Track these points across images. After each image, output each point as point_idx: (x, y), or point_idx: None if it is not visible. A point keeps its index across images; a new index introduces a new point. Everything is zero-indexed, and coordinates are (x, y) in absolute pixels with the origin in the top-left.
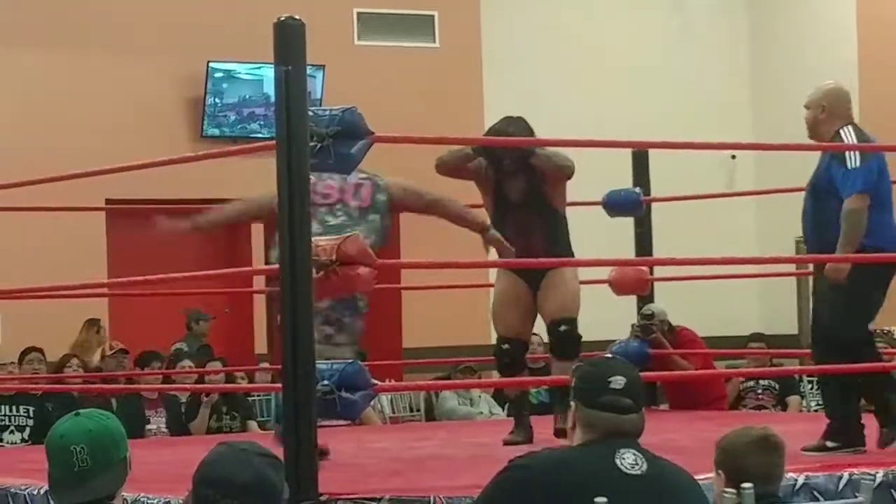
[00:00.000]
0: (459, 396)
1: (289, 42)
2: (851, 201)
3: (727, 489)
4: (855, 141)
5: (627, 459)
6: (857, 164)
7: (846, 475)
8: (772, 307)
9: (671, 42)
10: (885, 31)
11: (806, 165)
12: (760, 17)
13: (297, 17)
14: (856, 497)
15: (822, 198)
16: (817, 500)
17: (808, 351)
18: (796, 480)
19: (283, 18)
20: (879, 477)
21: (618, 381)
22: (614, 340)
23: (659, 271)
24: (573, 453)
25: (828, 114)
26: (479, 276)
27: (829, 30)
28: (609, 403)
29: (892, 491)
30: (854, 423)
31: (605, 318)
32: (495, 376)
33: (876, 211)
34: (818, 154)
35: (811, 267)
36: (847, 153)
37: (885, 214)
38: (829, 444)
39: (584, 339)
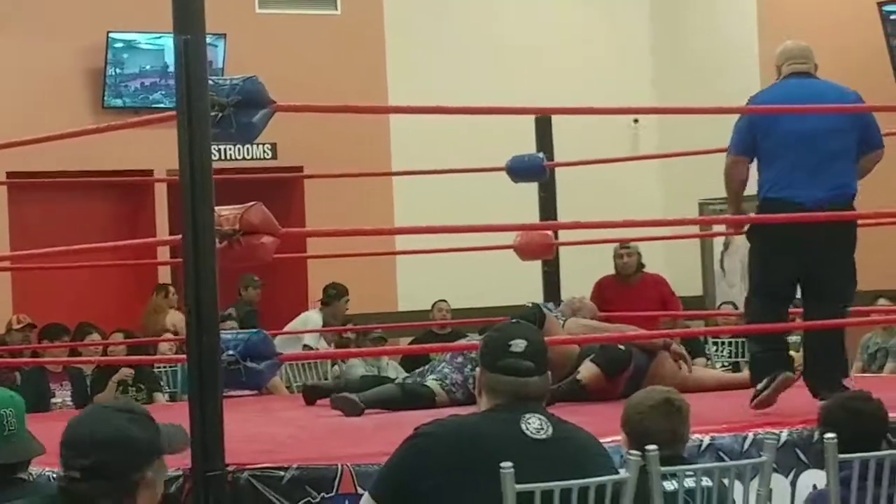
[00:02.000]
0: (367, 364)
1: (188, 11)
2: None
3: (632, 451)
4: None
5: (533, 424)
6: (736, 123)
7: (751, 435)
8: (677, 269)
9: (573, 8)
10: None
11: (707, 128)
12: None
13: None
14: (760, 456)
15: None
16: (723, 460)
17: (713, 312)
18: (702, 441)
19: None
20: (784, 436)
21: (518, 345)
22: (521, 305)
23: (564, 235)
24: (479, 419)
25: (779, 73)
26: (385, 244)
27: None
28: (510, 366)
29: (797, 450)
30: (767, 355)
31: (510, 283)
32: (403, 343)
33: (763, 167)
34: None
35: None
36: None
37: (769, 171)
38: (759, 387)
39: (488, 304)
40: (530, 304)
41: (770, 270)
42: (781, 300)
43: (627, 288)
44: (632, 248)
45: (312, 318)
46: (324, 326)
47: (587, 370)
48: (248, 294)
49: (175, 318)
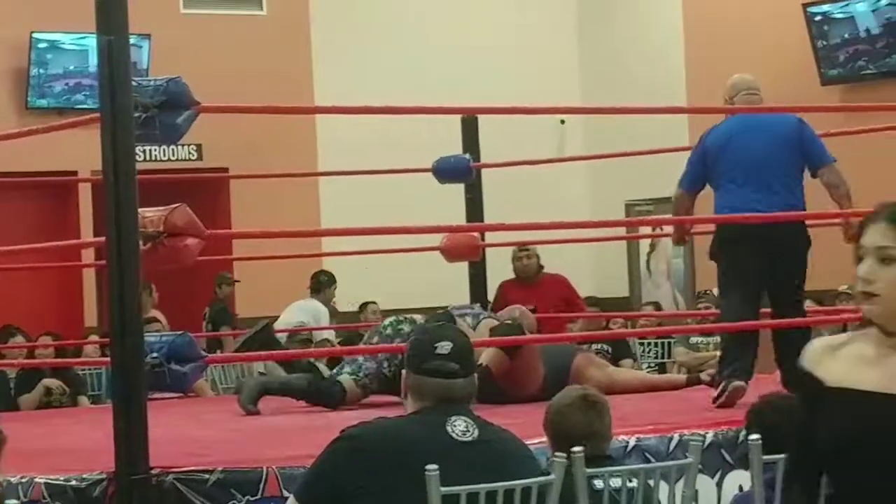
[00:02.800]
0: None
1: (111, 11)
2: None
3: (557, 453)
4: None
5: (459, 426)
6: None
7: (676, 436)
8: (604, 270)
9: (500, 9)
10: None
11: (634, 130)
12: None
13: None
14: (686, 458)
15: None
16: (649, 461)
17: (640, 314)
18: (628, 442)
19: None
20: (709, 437)
21: (444, 347)
22: (446, 307)
23: (490, 237)
24: (405, 422)
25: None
26: (312, 246)
27: None
28: (435, 369)
29: (722, 451)
30: (745, 361)
31: (438, 284)
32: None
33: (716, 193)
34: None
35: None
36: None
37: (722, 196)
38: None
39: (416, 305)
40: (440, 311)
41: (741, 273)
42: (754, 301)
43: (529, 290)
44: (531, 251)
45: (319, 308)
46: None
47: (486, 354)
48: (223, 291)
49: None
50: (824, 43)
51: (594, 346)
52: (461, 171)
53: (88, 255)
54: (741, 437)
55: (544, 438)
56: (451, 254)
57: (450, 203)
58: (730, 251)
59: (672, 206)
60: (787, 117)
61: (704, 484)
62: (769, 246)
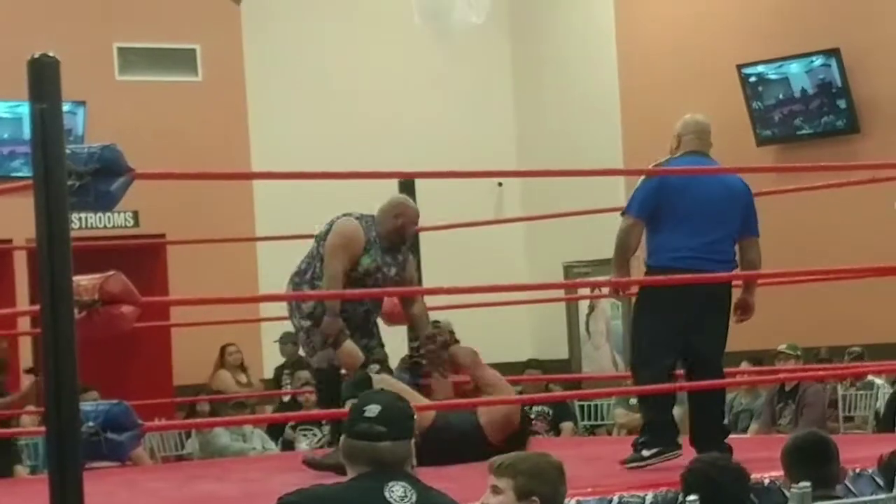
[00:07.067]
0: (232, 432)
1: (44, 79)
2: (621, 221)
3: None
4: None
5: (396, 492)
6: (638, 186)
7: (616, 498)
8: (543, 333)
9: (437, 76)
10: (643, 56)
11: (571, 192)
12: (522, 48)
13: (51, 53)
14: None
15: None
16: None
17: (581, 375)
18: None
19: (37, 55)
20: (649, 499)
21: (372, 410)
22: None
23: (430, 301)
24: (342, 488)
25: (679, 142)
26: (250, 311)
27: (589, 57)
28: (362, 432)
29: None
30: (668, 427)
31: None
32: (268, 411)
33: (657, 232)
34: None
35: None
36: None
37: (668, 235)
38: (646, 452)
39: None
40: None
41: (657, 333)
42: (668, 366)
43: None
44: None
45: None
46: None
47: None
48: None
49: (218, 379)
50: (759, 104)
51: (535, 409)
52: None
53: (24, 324)
54: (680, 499)
55: (479, 501)
56: (390, 318)
57: None
58: (670, 297)
59: (621, 236)
60: (737, 177)
61: None
62: (709, 301)
